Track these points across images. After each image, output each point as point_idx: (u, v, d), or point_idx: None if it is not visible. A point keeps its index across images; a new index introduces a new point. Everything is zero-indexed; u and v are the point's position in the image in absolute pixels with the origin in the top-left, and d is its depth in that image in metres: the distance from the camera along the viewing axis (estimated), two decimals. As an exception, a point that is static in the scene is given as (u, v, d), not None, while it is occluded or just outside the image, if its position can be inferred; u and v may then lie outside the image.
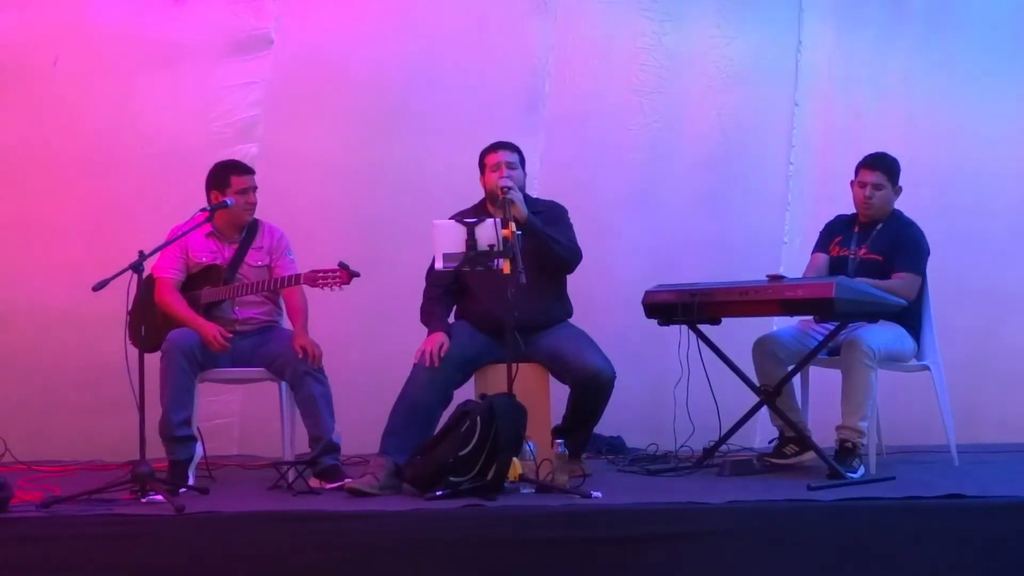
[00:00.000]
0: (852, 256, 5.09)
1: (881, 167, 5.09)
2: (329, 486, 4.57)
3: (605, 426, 5.16)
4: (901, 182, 5.12)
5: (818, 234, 5.32)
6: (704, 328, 5.04)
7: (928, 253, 5.06)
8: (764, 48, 6.24)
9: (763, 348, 5.06)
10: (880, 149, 5.20)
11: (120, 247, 4.68)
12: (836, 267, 5.12)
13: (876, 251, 5.05)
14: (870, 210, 5.09)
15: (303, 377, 4.74)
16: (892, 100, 6.28)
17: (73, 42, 5.73)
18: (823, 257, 5.19)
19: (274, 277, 4.95)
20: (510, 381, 4.40)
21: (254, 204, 4.99)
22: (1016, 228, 6.34)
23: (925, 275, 5.06)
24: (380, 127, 5.94)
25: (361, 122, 5.92)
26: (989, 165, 6.30)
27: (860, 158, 5.19)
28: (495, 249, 4.46)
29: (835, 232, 5.23)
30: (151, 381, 4.50)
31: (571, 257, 4.91)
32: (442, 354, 4.71)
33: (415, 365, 4.73)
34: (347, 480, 4.52)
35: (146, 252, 4.47)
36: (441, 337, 4.77)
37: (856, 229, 5.15)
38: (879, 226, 5.10)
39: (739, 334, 5.22)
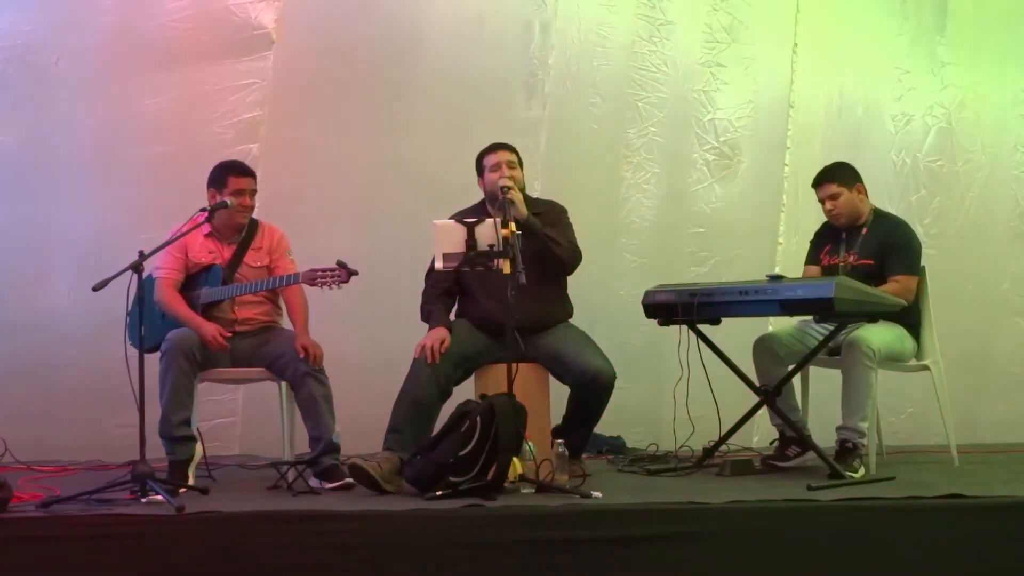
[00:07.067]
0: (843, 263, 5.09)
1: (827, 179, 5.13)
2: (329, 486, 4.56)
3: (605, 426, 5.16)
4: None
5: (809, 243, 5.33)
6: (704, 328, 5.04)
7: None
8: (760, 50, 6.25)
9: (763, 347, 5.06)
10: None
11: (120, 247, 4.67)
12: (829, 276, 5.11)
13: (866, 255, 5.04)
14: (841, 219, 5.12)
15: (304, 377, 4.72)
16: (888, 101, 6.30)
17: (73, 42, 5.74)
18: (815, 270, 5.21)
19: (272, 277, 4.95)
20: (510, 381, 4.39)
21: (249, 207, 4.95)
22: (1017, 228, 6.35)
23: (923, 272, 5.07)
24: (380, 126, 5.95)
25: (361, 122, 5.92)
26: (987, 163, 6.31)
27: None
28: (495, 249, 4.45)
29: (823, 242, 5.24)
30: (151, 381, 4.49)
31: (571, 258, 4.90)
32: (442, 350, 4.71)
33: (415, 360, 4.72)
34: (347, 480, 4.52)
35: (146, 252, 4.47)
36: (442, 332, 4.77)
37: (843, 236, 5.16)
38: (864, 230, 5.10)
39: (739, 334, 5.23)
